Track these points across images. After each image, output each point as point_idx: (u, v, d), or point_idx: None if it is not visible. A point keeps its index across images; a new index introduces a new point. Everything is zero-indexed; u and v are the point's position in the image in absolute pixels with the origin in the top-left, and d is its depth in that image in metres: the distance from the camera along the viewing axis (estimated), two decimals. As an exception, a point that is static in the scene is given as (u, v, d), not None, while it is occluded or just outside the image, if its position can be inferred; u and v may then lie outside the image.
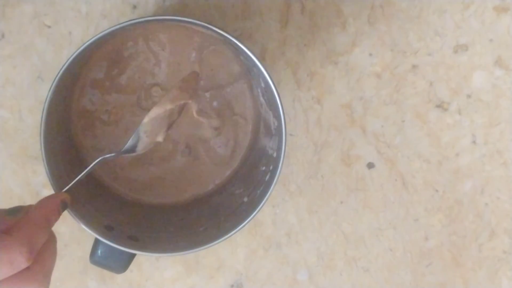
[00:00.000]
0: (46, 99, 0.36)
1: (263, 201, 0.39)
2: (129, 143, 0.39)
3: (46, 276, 0.33)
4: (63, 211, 0.36)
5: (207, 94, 0.44)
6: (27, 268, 0.31)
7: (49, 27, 0.45)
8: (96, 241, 0.39)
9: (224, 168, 0.46)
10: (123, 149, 0.39)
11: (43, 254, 0.32)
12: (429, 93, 0.48)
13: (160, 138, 0.39)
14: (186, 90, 0.39)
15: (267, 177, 0.40)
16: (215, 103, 0.44)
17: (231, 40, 0.36)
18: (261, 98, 0.43)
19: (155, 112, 0.38)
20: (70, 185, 0.37)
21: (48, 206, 0.34)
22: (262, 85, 0.41)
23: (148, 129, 0.39)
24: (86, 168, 0.37)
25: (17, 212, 0.33)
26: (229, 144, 0.45)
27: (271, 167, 0.40)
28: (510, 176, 0.49)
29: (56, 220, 0.34)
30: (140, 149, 0.39)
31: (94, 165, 0.37)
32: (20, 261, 0.30)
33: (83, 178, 0.37)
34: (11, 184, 0.47)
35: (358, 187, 0.49)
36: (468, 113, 0.48)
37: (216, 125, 0.45)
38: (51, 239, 0.34)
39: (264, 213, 0.49)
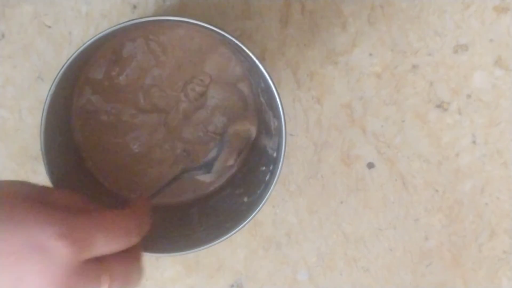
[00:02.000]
0: (46, 99, 0.36)
1: (263, 201, 0.39)
2: (213, 152, 0.41)
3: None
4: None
5: (207, 94, 0.44)
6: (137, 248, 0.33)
7: (49, 27, 0.45)
8: (96, 241, 0.39)
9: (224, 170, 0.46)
10: (206, 159, 0.41)
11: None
12: (429, 93, 0.48)
13: (231, 161, 0.42)
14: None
15: (267, 177, 0.40)
16: (215, 103, 0.44)
17: (231, 40, 0.36)
18: (261, 98, 0.43)
19: (238, 126, 0.40)
20: (156, 191, 0.39)
21: (147, 205, 0.36)
22: (262, 85, 0.41)
23: (229, 140, 0.41)
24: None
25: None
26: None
27: (271, 167, 0.40)
28: (510, 176, 0.49)
29: None
30: (215, 168, 0.42)
31: (176, 177, 0.41)
32: (136, 233, 0.32)
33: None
34: (11, 184, 0.47)
35: (358, 187, 0.49)
36: (468, 113, 0.48)
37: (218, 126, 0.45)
38: None
39: (264, 213, 0.48)
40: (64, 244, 0.27)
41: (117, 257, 0.31)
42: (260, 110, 0.44)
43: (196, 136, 0.45)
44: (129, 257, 0.32)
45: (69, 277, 0.28)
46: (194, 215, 0.44)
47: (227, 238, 0.39)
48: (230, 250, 0.49)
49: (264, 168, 0.42)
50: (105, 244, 0.30)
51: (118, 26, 0.35)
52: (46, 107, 0.36)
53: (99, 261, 0.30)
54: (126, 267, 0.32)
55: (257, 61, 0.36)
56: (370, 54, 0.47)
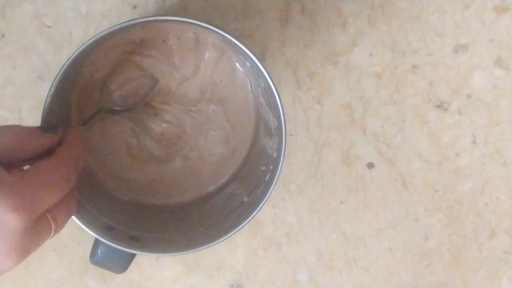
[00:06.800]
0: (46, 99, 0.36)
1: (263, 201, 0.39)
2: None
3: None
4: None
5: (207, 95, 0.44)
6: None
7: (49, 27, 0.45)
8: (96, 241, 0.39)
9: (225, 168, 0.46)
10: None
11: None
12: (429, 93, 0.47)
13: None
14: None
15: (267, 177, 0.40)
16: (215, 103, 0.44)
17: (231, 40, 0.36)
18: (261, 98, 0.43)
19: None
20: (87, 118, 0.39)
21: (80, 133, 0.37)
22: (262, 85, 0.41)
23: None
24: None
25: (53, 131, 0.34)
26: (229, 143, 0.45)
27: (271, 167, 0.40)
28: (510, 176, 0.49)
29: None
30: None
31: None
32: (75, 172, 0.34)
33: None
34: (11, 184, 0.47)
35: (358, 187, 0.49)
36: (468, 113, 0.48)
37: (218, 126, 0.45)
38: None
39: (264, 213, 0.48)
40: (16, 216, 0.29)
41: (58, 202, 0.33)
42: (260, 110, 0.44)
43: (197, 138, 0.45)
44: (67, 195, 0.34)
45: (24, 240, 0.30)
46: (194, 215, 0.44)
47: (227, 238, 0.39)
48: (230, 250, 0.49)
49: (264, 168, 0.42)
50: (51, 198, 0.32)
51: (118, 26, 0.35)
52: (46, 107, 0.36)
53: (45, 211, 0.32)
54: (67, 205, 0.34)
55: (257, 61, 0.36)
56: (370, 54, 0.47)
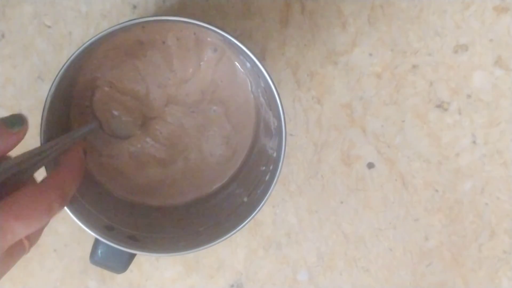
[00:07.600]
0: (46, 99, 0.36)
1: (263, 201, 0.39)
2: None
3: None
4: (85, 157, 0.37)
5: (208, 96, 0.44)
6: None
7: (49, 27, 0.45)
8: (96, 241, 0.39)
9: (225, 168, 0.46)
10: None
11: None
12: (429, 93, 0.48)
13: None
14: None
15: (267, 177, 0.40)
16: (216, 104, 0.44)
17: (231, 40, 0.36)
18: (261, 98, 0.43)
19: None
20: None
21: (78, 157, 0.35)
22: (262, 85, 0.41)
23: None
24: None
25: (17, 124, 0.32)
26: (230, 144, 0.45)
27: (271, 167, 0.40)
28: (510, 176, 0.49)
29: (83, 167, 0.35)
30: None
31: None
32: (57, 208, 0.31)
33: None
34: (11, 184, 0.47)
35: (358, 187, 0.49)
36: (468, 113, 0.48)
37: (217, 127, 0.45)
38: None
39: (264, 213, 0.48)
40: None
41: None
42: (260, 110, 0.44)
43: (197, 140, 0.45)
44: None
45: None
46: (194, 215, 0.45)
47: (227, 238, 0.39)
48: (230, 250, 0.49)
49: (264, 168, 0.42)
50: (26, 231, 0.29)
51: (118, 26, 0.35)
52: (46, 107, 0.36)
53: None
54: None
55: (257, 61, 0.36)
56: (370, 54, 0.47)
